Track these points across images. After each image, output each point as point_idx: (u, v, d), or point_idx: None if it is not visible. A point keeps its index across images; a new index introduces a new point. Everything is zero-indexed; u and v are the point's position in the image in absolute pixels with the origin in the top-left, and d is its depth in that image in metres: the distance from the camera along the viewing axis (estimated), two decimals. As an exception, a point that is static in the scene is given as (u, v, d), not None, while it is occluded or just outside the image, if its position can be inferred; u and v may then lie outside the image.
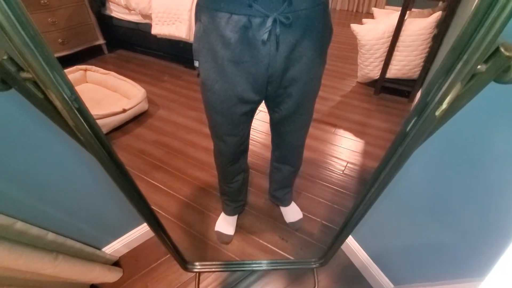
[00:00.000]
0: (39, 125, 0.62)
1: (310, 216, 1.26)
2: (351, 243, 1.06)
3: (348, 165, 1.53)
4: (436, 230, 0.69)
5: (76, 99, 0.31)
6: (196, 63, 0.69)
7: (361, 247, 1.01)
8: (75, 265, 0.83)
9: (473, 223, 0.59)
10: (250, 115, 0.80)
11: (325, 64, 0.74)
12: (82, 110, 0.32)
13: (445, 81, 0.27)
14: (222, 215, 1.22)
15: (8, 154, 0.62)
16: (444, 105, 0.28)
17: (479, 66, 0.25)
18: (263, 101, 0.79)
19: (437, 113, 0.28)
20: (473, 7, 0.22)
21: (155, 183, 1.42)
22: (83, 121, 0.32)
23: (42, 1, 2.16)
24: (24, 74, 0.27)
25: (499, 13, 0.21)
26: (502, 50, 0.24)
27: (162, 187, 1.40)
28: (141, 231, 1.11)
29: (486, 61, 0.25)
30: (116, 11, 2.60)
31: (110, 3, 2.59)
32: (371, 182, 0.46)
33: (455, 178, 0.58)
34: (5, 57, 0.26)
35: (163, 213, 1.27)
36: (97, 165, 0.39)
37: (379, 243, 0.94)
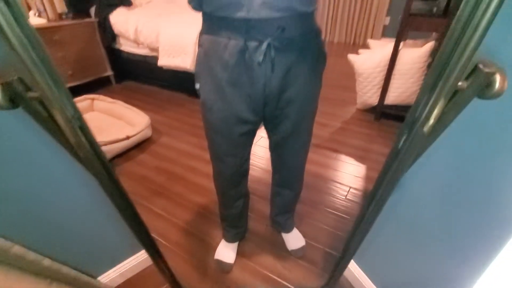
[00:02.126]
0: (42, 145, 0.63)
1: (313, 243, 1.22)
2: (355, 271, 1.01)
3: (351, 190, 1.51)
4: (446, 259, 0.65)
5: (79, 117, 0.32)
6: (197, 85, 0.73)
7: (367, 276, 0.97)
8: (69, 294, 0.80)
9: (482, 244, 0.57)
10: (249, 136, 0.81)
11: (321, 86, 0.78)
12: (84, 128, 0.33)
13: (430, 97, 0.28)
14: (223, 242, 1.18)
15: (9, 173, 0.62)
16: (431, 120, 0.29)
17: (460, 83, 0.27)
18: (263, 124, 0.82)
19: (425, 129, 0.29)
20: (449, 29, 0.24)
21: (156, 209, 1.40)
22: (84, 139, 0.33)
23: (54, 37, 2.31)
24: (31, 94, 0.29)
25: (471, 33, 0.22)
26: (481, 67, 0.25)
27: (163, 213, 1.38)
28: (138, 259, 1.08)
29: (467, 78, 0.27)
30: (125, 45, 2.76)
31: (120, 38, 2.75)
32: (368, 201, 0.46)
33: (462, 196, 0.56)
34: (15, 78, 0.28)
35: (162, 241, 1.23)
36: (97, 188, 0.39)
37: (386, 270, 0.89)
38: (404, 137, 0.33)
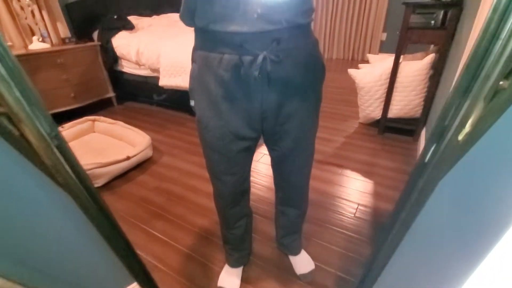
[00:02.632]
0: (15, 166, 0.56)
1: (323, 266, 1.14)
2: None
3: (359, 207, 1.44)
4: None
5: (57, 136, 0.29)
6: (192, 102, 0.70)
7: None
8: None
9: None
10: (248, 153, 0.78)
11: (321, 100, 0.75)
12: (63, 148, 0.29)
13: (464, 101, 0.24)
14: (226, 267, 1.11)
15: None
16: (468, 128, 0.25)
17: (501, 82, 0.23)
18: (263, 140, 0.78)
19: (460, 137, 0.25)
20: (484, 19, 0.20)
21: (155, 232, 1.33)
22: (63, 162, 0.29)
23: (58, 61, 2.34)
24: (-2, 109, 0.26)
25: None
26: (525, 63, 0.22)
27: (162, 236, 1.31)
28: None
29: (507, 77, 0.23)
30: (127, 66, 2.79)
31: (122, 60, 2.79)
32: (390, 224, 0.40)
33: (491, 211, 0.49)
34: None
35: (161, 266, 1.16)
36: (80, 215, 0.35)
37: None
38: (432, 149, 0.29)
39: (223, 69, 0.60)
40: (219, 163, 0.77)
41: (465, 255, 0.59)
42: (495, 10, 0.20)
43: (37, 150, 0.28)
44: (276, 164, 0.87)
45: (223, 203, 0.90)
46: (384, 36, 4.23)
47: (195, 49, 0.67)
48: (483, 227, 0.53)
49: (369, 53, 4.33)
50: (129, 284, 0.98)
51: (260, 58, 0.57)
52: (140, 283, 0.55)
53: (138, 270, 0.53)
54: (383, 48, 4.29)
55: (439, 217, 0.57)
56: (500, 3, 0.19)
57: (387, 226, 0.40)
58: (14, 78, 0.24)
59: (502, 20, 0.20)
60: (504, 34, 0.20)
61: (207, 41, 0.62)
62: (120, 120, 2.14)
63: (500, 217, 0.48)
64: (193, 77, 0.69)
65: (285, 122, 0.70)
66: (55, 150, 0.28)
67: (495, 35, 0.20)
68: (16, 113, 0.25)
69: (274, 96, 0.64)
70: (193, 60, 0.69)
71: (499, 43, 0.21)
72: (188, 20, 0.62)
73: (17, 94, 0.25)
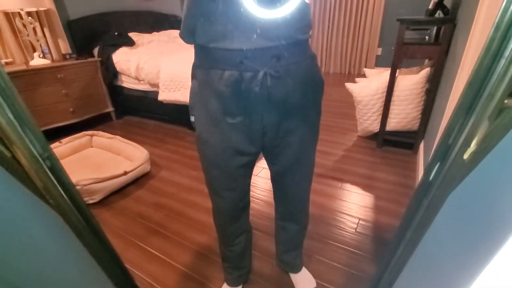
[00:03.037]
0: (4, 187, 0.54)
1: (324, 284, 1.10)
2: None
3: (360, 222, 1.41)
4: None
5: (50, 157, 0.28)
6: (192, 118, 0.70)
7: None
8: None
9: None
10: (247, 168, 0.77)
11: (321, 114, 0.76)
12: (56, 170, 0.28)
13: (467, 120, 0.24)
14: (225, 286, 1.07)
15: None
16: (473, 147, 0.24)
17: (506, 101, 0.22)
18: (262, 155, 0.78)
19: (465, 156, 0.25)
20: (487, 37, 0.20)
21: (151, 250, 1.30)
22: (55, 183, 0.28)
23: (58, 76, 2.36)
24: (-12, 130, 0.25)
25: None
26: (530, 81, 0.21)
27: (159, 254, 1.27)
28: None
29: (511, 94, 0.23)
30: (126, 81, 2.82)
31: (121, 75, 2.82)
32: (395, 243, 0.39)
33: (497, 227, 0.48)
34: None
35: (157, 286, 1.12)
36: (72, 237, 0.33)
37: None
38: (436, 168, 0.28)
39: (223, 85, 0.60)
40: (219, 178, 0.76)
41: (468, 270, 0.57)
42: (497, 28, 0.20)
43: (28, 172, 0.27)
44: (276, 178, 0.86)
45: (223, 219, 0.88)
46: (379, 51, 4.32)
47: (195, 66, 0.68)
48: (488, 241, 0.51)
49: (366, 67, 4.41)
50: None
51: (261, 74, 0.57)
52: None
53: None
54: (379, 62, 4.38)
55: (445, 235, 0.55)
56: (503, 21, 0.19)
57: (392, 245, 0.39)
58: (6, 98, 0.23)
59: (505, 39, 0.20)
60: (508, 52, 0.20)
61: (207, 58, 0.62)
62: (118, 135, 2.14)
63: (505, 231, 0.47)
64: (193, 93, 0.70)
65: (286, 136, 0.70)
66: (47, 171, 0.27)
67: (498, 54, 0.20)
68: (8, 136, 0.24)
69: (275, 111, 0.64)
70: (193, 77, 0.69)
71: (503, 62, 0.20)
72: (188, 38, 0.63)
73: (10, 115, 0.24)
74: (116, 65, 2.77)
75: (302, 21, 0.59)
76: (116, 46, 2.84)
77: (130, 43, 2.94)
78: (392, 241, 0.40)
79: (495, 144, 0.25)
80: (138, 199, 1.68)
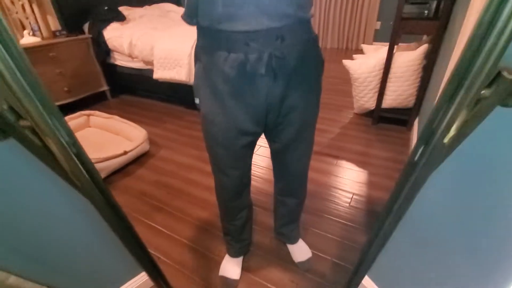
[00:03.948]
0: (35, 173, 0.60)
1: (319, 254, 1.19)
2: (368, 285, 0.97)
3: (354, 196, 1.48)
4: (468, 273, 0.62)
5: (74, 144, 0.30)
6: (197, 100, 0.72)
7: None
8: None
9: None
10: (250, 147, 0.81)
11: (321, 92, 0.78)
12: (80, 155, 0.31)
13: (449, 108, 0.26)
14: (227, 257, 1.15)
15: (2, 204, 0.59)
16: (452, 132, 0.27)
17: (483, 91, 0.25)
18: (263, 134, 0.80)
19: (445, 140, 0.28)
20: (470, 33, 0.22)
21: (156, 225, 1.36)
22: (80, 167, 0.31)
23: (50, 54, 2.30)
24: (23, 122, 0.27)
25: (496, 40, 0.21)
26: (505, 74, 0.24)
27: (163, 229, 1.34)
28: (139, 282, 1.03)
29: (489, 86, 0.25)
30: (120, 59, 2.75)
31: (114, 52, 2.75)
32: (383, 215, 0.43)
33: (482, 205, 0.53)
34: (5, 107, 0.26)
35: (164, 259, 1.19)
36: (93, 213, 0.37)
37: (400, 283, 0.86)
38: (420, 150, 0.31)
39: (229, 66, 0.61)
40: (224, 157, 0.79)
41: (450, 242, 0.63)
42: (480, 25, 0.22)
43: (58, 159, 0.29)
44: (277, 155, 0.89)
45: (226, 195, 0.93)
46: (378, 25, 4.22)
47: (198, 48, 0.68)
48: (469, 219, 0.56)
49: (364, 41, 4.33)
50: (137, 273, 1.03)
51: (266, 55, 0.58)
52: (147, 272, 0.58)
53: (146, 259, 0.56)
54: (378, 37, 4.29)
55: (428, 208, 0.61)
56: (484, 19, 0.21)
57: (381, 217, 0.43)
58: (36, 93, 0.25)
59: (484, 37, 0.22)
60: (486, 47, 0.22)
61: (211, 40, 0.62)
62: (115, 114, 2.13)
63: (485, 208, 0.52)
64: (197, 75, 0.71)
65: (288, 114, 0.72)
66: (74, 157, 0.30)
67: (478, 49, 0.22)
68: (40, 127, 0.26)
69: (279, 90, 0.66)
70: (197, 59, 0.70)
71: (482, 55, 0.23)
72: (191, 19, 0.62)
73: (40, 108, 0.26)
74: (108, 42, 2.69)
75: None
76: (107, 21, 2.73)
77: (121, 17, 2.84)
78: (380, 213, 0.44)
79: (472, 130, 0.28)
80: (140, 178, 1.72)
